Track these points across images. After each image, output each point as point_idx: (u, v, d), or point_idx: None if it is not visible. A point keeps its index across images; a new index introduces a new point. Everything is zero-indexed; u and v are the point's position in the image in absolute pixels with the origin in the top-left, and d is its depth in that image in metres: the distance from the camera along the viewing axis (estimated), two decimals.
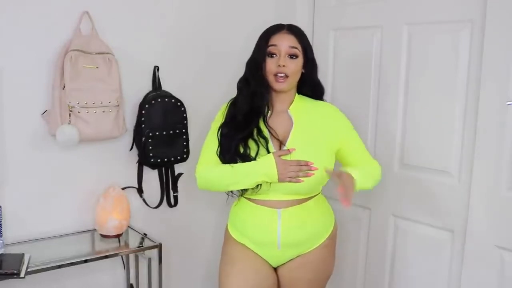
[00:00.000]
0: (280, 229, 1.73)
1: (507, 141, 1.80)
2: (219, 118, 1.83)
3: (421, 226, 2.12)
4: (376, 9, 2.22)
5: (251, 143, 1.74)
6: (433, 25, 2.02)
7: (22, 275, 1.66)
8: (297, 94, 1.84)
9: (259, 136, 1.74)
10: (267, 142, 1.73)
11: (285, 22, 1.81)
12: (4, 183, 1.87)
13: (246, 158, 1.72)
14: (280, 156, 1.67)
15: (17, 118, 1.87)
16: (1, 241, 1.78)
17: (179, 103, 2.11)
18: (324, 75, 2.35)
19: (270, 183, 1.69)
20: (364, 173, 1.74)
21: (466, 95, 1.92)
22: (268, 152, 1.71)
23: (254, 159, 1.71)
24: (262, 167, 1.67)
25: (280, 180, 1.66)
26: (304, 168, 1.66)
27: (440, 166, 2.03)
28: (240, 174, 1.69)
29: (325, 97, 1.91)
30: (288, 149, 1.70)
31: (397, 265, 2.23)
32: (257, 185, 1.71)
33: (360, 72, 2.30)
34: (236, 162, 1.72)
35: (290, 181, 1.66)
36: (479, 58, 1.86)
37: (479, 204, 1.89)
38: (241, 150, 1.73)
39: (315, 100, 1.85)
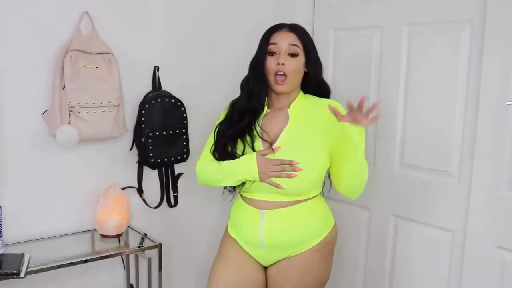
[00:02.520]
0: (262, 230, 1.71)
1: (507, 141, 1.80)
2: (222, 116, 1.85)
3: (421, 226, 2.12)
4: (376, 9, 2.22)
5: (239, 142, 1.74)
6: (433, 25, 2.02)
7: (22, 275, 1.66)
8: (301, 92, 1.80)
9: (247, 135, 1.73)
10: (253, 141, 1.72)
11: (285, 22, 1.80)
12: (4, 183, 1.87)
13: (232, 156, 1.72)
14: (264, 155, 1.66)
15: (17, 118, 1.87)
16: (1, 241, 1.78)
17: (179, 103, 2.11)
18: (324, 75, 2.35)
19: (253, 181, 1.69)
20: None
21: (466, 95, 1.92)
22: (254, 151, 1.70)
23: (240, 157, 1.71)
24: (243, 165, 1.67)
25: (261, 179, 1.65)
26: (287, 168, 1.64)
27: (440, 166, 2.03)
28: (224, 171, 1.71)
29: None
30: (272, 148, 1.67)
31: (397, 265, 2.23)
32: (243, 183, 1.71)
33: (360, 72, 2.30)
34: (224, 159, 1.73)
35: (270, 184, 1.64)
36: (479, 58, 1.86)
37: (479, 204, 1.89)
38: (229, 148, 1.74)
39: (319, 98, 1.80)
